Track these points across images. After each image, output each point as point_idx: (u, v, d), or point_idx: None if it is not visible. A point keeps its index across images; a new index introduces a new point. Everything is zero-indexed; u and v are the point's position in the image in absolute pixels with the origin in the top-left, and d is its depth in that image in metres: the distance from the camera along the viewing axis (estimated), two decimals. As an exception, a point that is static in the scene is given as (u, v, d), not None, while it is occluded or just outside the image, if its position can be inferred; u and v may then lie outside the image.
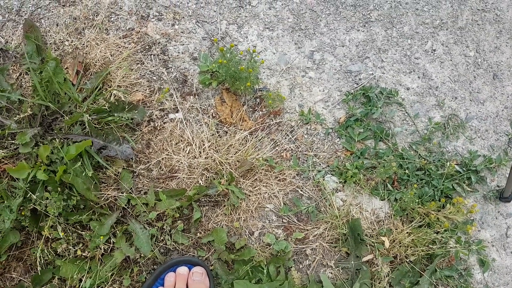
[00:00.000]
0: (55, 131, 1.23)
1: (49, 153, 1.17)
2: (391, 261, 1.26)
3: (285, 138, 1.34)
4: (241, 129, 1.33)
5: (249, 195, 1.28)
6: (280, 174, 1.31)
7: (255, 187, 1.29)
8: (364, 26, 1.45)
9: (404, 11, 1.46)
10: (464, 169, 1.34)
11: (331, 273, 1.26)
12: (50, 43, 1.36)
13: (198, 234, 1.25)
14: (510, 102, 1.42)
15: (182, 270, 1.17)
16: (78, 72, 1.32)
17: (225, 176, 1.26)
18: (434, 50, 1.44)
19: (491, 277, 1.31)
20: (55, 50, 1.35)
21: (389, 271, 1.25)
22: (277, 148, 1.33)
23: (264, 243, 1.25)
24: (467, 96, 1.42)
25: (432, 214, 1.26)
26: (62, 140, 1.21)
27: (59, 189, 1.15)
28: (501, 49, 1.46)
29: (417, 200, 1.28)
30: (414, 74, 1.42)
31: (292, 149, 1.34)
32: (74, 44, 1.36)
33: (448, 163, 1.33)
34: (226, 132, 1.32)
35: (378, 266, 1.24)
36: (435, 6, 1.48)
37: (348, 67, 1.41)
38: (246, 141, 1.32)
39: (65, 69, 1.31)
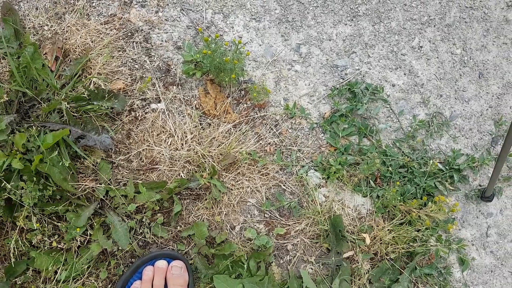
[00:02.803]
0: (32, 119, 1.19)
1: (25, 141, 1.13)
2: (372, 258, 1.26)
3: (269, 132, 1.32)
4: (225, 122, 1.30)
5: (231, 189, 1.26)
6: (263, 168, 1.29)
7: (237, 181, 1.27)
8: (352, 20, 1.43)
9: (392, 6, 1.45)
10: (447, 167, 1.34)
11: (312, 268, 1.25)
12: (28, 28, 1.31)
13: (178, 227, 1.22)
14: (494, 101, 1.42)
15: (161, 263, 1.15)
16: (57, 58, 1.28)
17: (207, 169, 1.24)
18: (421, 47, 1.43)
19: (470, 276, 1.32)
20: (33, 35, 1.31)
21: (369, 268, 1.25)
22: (261, 142, 1.31)
23: (245, 238, 1.24)
24: (452, 94, 1.41)
25: (414, 212, 1.26)
26: (39, 128, 1.17)
27: (35, 178, 1.12)
28: (488, 47, 1.45)
29: (399, 198, 1.27)
30: (400, 71, 1.41)
31: (276, 144, 1.32)
32: (54, 29, 1.31)
33: (431, 161, 1.33)
34: (210, 124, 1.30)
35: (358, 262, 1.24)
36: (424, 2, 1.46)
37: (334, 62, 1.39)
38: (230, 134, 1.30)
39: (44, 54, 1.27)
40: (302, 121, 1.34)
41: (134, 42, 1.33)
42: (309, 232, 1.27)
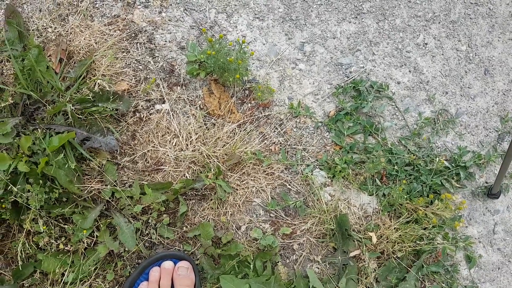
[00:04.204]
0: (37, 121, 1.20)
1: (30, 144, 1.13)
2: (378, 256, 1.26)
3: (274, 131, 1.32)
4: (229, 122, 1.30)
5: (237, 189, 1.26)
6: (268, 168, 1.29)
7: (242, 181, 1.27)
8: (356, 17, 1.42)
9: (397, 3, 1.44)
10: (453, 165, 1.33)
11: (318, 268, 1.25)
12: (32, 30, 1.31)
13: (184, 228, 1.23)
14: (500, 98, 1.41)
15: (167, 264, 1.15)
16: (61, 60, 1.28)
17: (212, 170, 1.23)
18: (426, 44, 1.42)
19: (477, 273, 1.32)
20: (37, 37, 1.31)
21: (376, 267, 1.24)
22: (265, 141, 1.31)
23: (251, 238, 1.24)
24: (457, 91, 1.41)
25: (420, 210, 1.26)
26: (44, 131, 1.17)
27: (41, 181, 1.12)
28: (493, 44, 1.44)
29: (405, 196, 1.27)
30: (405, 68, 1.40)
31: (281, 143, 1.32)
32: (58, 31, 1.31)
33: (437, 158, 1.32)
34: (214, 125, 1.30)
35: (365, 261, 1.24)
36: (428, -2, 1.45)
37: (338, 60, 1.39)
38: (234, 134, 1.30)
39: (48, 56, 1.27)
40: (307, 120, 1.34)
41: (138, 43, 1.33)
42: (315, 231, 1.27)
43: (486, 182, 1.36)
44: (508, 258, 1.34)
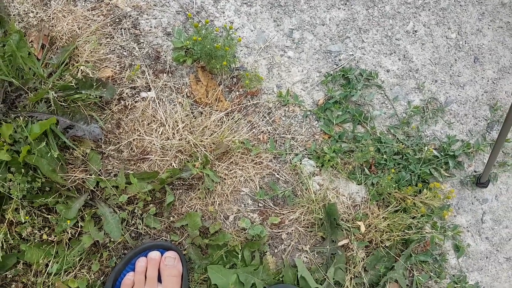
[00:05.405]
0: (19, 109, 1.16)
1: (12, 132, 1.10)
2: (367, 246, 1.25)
3: (263, 120, 1.30)
4: (217, 110, 1.28)
5: (225, 179, 1.24)
6: (256, 157, 1.27)
7: (230, 170, 1.25)
8: (345, 4, 1.40)
9: (387, -10, 1.42)
10: (442, 153, 1.33)
11: (306, 257, 1.24)
12: (13, 15, 1.27)
13: (171, 218, 1.21)
14: (490, 86, 1.41)
15: (154, 254, 1.13)
16: (43, 46, 1.24)
17: (199, 159, 1.21)
18: (416, 31, 1.41)
19: (465, 262, 1.32)
20: (19, 22, 1.27)
21: (364, 256, 1.24)
22: (254, 130, 1.29)
23: (239, 228, 1.23)
24: (447, 79, 1.40)
25: (409, 199, 1.25)
26: (26, 119, 1.14)
27: (23, 170, 1.09)
28: (483, 31, 1.43)
29: (393, 185, 1.26)
30: (394, 56, 1.39)
31: (269, 132, 1.30)
32: (40, 16, 1.28)
33: (426, 147, 1.31)
34: (201, 113, 1.27)
35: (353, 251, 1.23)
36: (419, -15, 1.44)
37: (328, 47, 1.36)
38: (222, 122, 1.27)
39: (30, 42, 1.24)
40: (296, 108, 1.32)
41: (122, 29, 1.30)
42: (303, 221, 1.25)
43: (475, 171, 1.36)
44: (496, 247, 1.34)
